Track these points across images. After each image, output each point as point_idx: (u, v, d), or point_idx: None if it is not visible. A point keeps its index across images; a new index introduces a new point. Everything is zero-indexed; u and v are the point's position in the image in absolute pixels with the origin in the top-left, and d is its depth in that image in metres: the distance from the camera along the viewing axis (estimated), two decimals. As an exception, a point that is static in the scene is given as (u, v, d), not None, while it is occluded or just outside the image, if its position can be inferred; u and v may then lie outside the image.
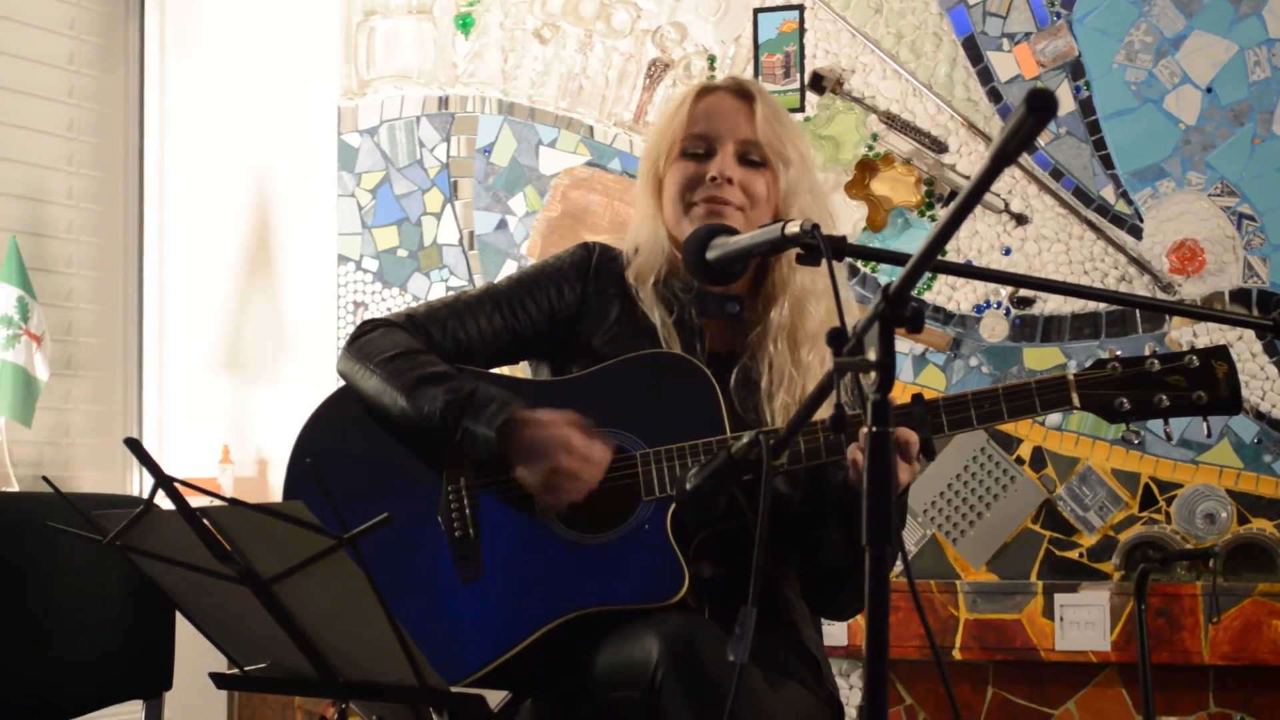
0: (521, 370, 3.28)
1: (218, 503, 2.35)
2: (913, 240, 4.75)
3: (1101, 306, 4.61)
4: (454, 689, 2.51)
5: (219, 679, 2.72)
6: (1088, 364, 2.83)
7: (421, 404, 2.94)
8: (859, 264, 4.78)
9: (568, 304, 3.13)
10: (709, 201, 3.01)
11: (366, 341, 3.06)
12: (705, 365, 2.98)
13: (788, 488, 2.99)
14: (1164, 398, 2.77)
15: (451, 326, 3.10)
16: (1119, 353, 2.82)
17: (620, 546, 2.91)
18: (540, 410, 2.90)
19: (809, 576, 3.07)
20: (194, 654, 3.35)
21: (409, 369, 2.98)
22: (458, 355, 3.08)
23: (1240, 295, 4.49)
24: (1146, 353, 2.79)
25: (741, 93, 3.09)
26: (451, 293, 3.23)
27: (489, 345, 3.11)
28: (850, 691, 4.63)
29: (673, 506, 2.88)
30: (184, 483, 2.34)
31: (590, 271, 3.14)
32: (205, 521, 2.37)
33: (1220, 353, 2.78)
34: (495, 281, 3.19)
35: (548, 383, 3.10)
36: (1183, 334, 4.50)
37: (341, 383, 3.13)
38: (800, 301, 3.04)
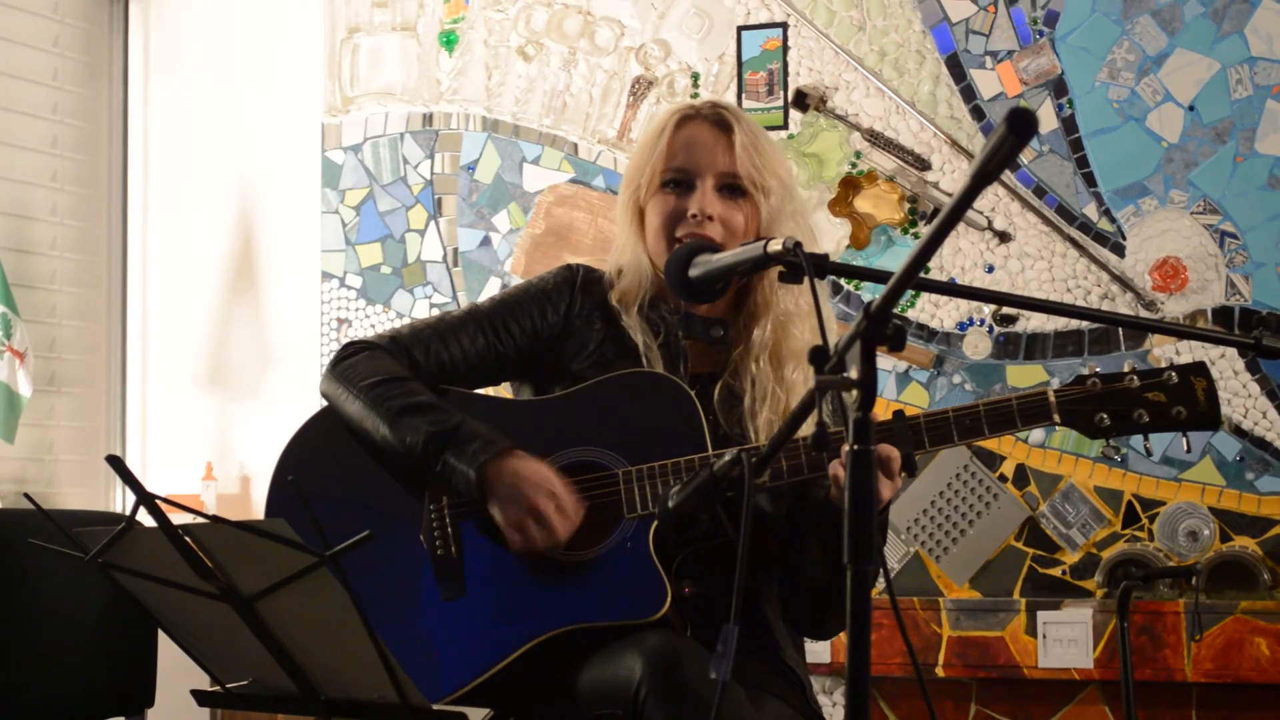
0: (504, 391, 3.28)
1: (200, 520, 2.35)
2: (896, 258, 4.76)
3: (1085, 324, 4.62)
4: (436, 706, 2.51)
5: (201, 696, 2.71)
6: (1069, 381, 2.84)
7: (404, 434, 2.94)
8: (842, 282, 4.78)
9: (550, 325, 3.13)
10: (691, 238, 3.01)
11: (350, 365, 3.06)
12: (688, 385, 2.99)
13: (770, 505, 2.99)
14: (1144, 413, 2.79)
15: (435, 348, 3.10)
16: (1098, 369, 2.83)
17: (602, 564, 2.91)
18: (524, 463, 2.90)
19: (790, 594, 3.07)
20: (176, 671, 3.35)
21: (392, 397, 2.98)
22: (441, 376, 3.08)
23: (1222, 313, 4.50)
24: (1126, 369, 2.80)
25: (720, 122, 3.07)
26: (435, 312, 3.22)
27: (472, 366, 3.11)
28: (833, 709, 4.63)
29: (655, 524, 2.88)
30: (166, 500, 2.33)
31: (574, 293, 3.14)
32: (187, 539, 2.37)
33: (1199, 369, 2.79)
34: (479, 302, 3.18)
35: (530, 402, 3.10)
36: (1165, 351, 4.51)
37: (320, 395, 3.13)
38: (784, 322, 3.05)
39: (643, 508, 2.89)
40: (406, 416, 2.95)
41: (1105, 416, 2.79)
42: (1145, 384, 2.79)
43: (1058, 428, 2.82)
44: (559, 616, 2.89)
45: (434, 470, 2.92)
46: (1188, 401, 2.78)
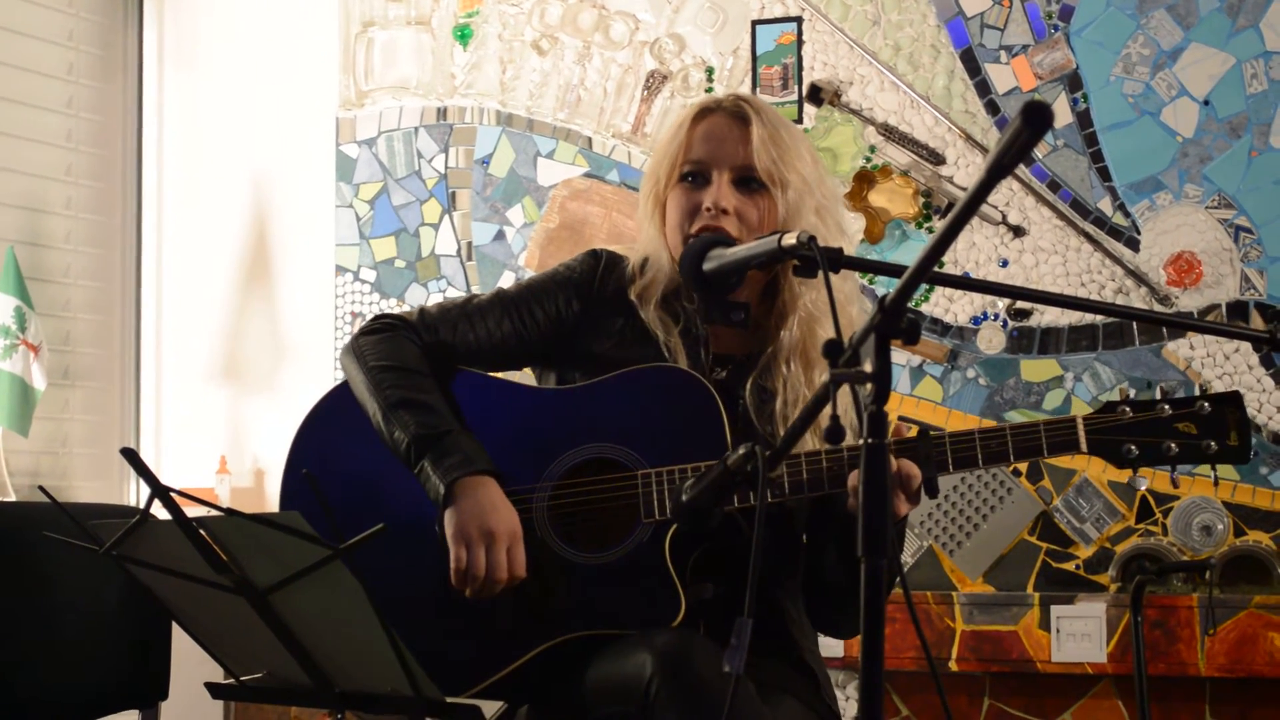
0: (524, 378, 3.27)
1: (214, 513, 2.36)
2: (910, 252, 4.75)
3: (1099, 318, 4.61)
4: (450, 700, 2.51)
5: (215, 689, 2.72)
6: (1090, 384, 2.82)
7: (393, 428, 2.94)
8: (857, 276, 4.77)
9: (575, 312, 3.12)
10: (706, 232, 3.00)
11: (369, 342, 3.06)
12: (713, 371, 2.99)
13: (793, 501, 2.98)
14: (1173, 445, 2.74)
15: (462, 328, 3.10)
16: (1131, 392, 2.80)
17: (618, 568, 2.89)
18: (500, 495, 2.89)
19: (808, 593, 3.06)
20: (190, 664, 3.36)
21: (395, 385, 2.98)
22: (467, 357, 3.08)
23: (1237, 308, 4.49)
24: (1158, 394, 2.76)
25: (739, 114, 3.05)
26: (462, 295, 3.22)
27: (497, 349, 3.11)
28: (847, 703, 4.63)
29: (671, 529, 2.87)
30: (180, 493, 2.34)
31: (596, 280, 3.14)
32: (201, 531, 2.37)
33: (1233, 399, 2.74)
34: (505, 288, 3.18)
35: (554, 391, 3.09)
36: (1180, 346, 4.51)
37: (335, 384, 3.14)
38: (810, 320, 3.03)
39: (660, 512, 2.88)
40: (400, 410, 2.95)
41: (1134, 447, 2.75)
42: (1177, 414, 2.75)
43: (1083, 454, 2.79)
44: (572, 622, 2.88)
45: (412, 471, 2.92)
46: (1218, 434, 2.73)
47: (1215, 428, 2.74)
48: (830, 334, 3.00)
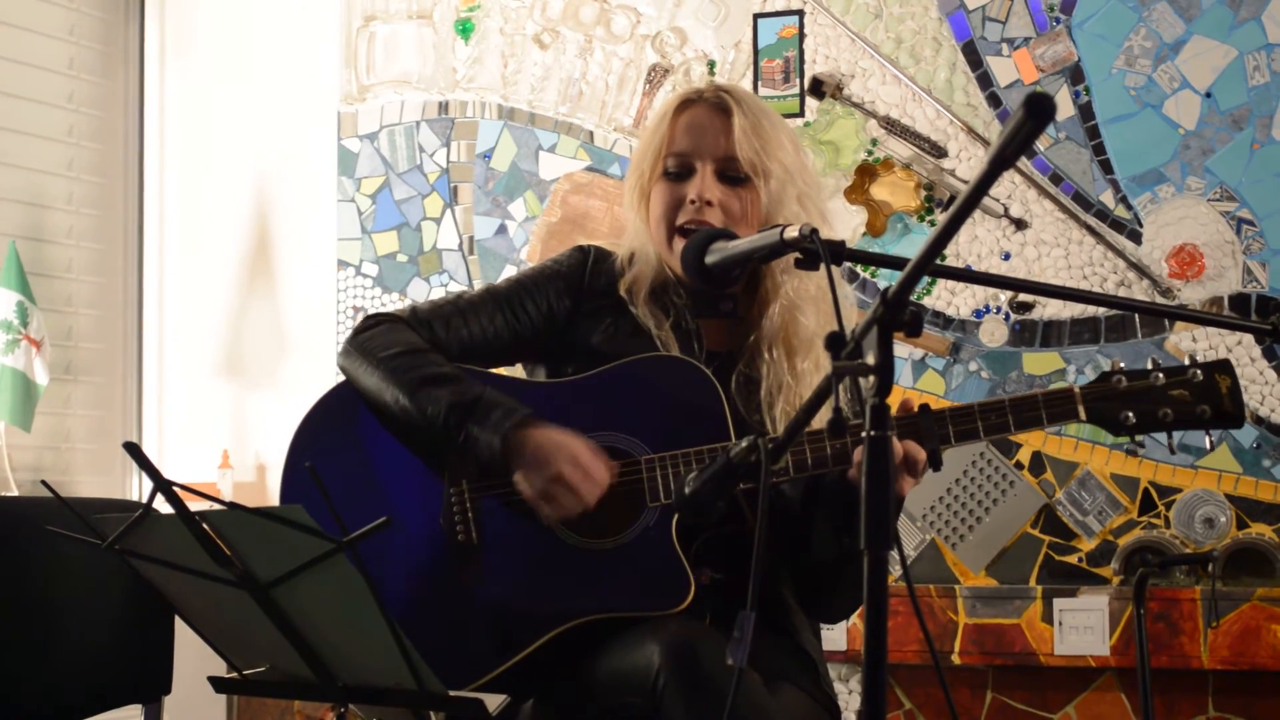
0: (515, 373, 3.27)
1: (216, 507, 2.36)
2: (912, 245, 4.75)
3: (1101, 311, 4.61)
4: (452, 694, 2.51)
5: (218, 683, 2.72)
6: (1092, 376, 2.83)
7: (425, 405, 2.92)
8: (858, 269, 4.78)
9: (566, 306, 3.13)
10: (691, 225, 3.01)
11: (369, 337, 3.05)
12: (704, 363, 2.99)
13: (790, 490, 2.99)
14: (1168, 411, 2.77)
15: (455, 325, 3.09)
16: (1123, 364, 2.82)
17: (625, 553, 2.90)
18: (549, 424, 2.90)
19: (799, 576, 3.06)
20: (193, 658, 3.35)
21: (413, 367, 2.97)
22: (461, 354, 3.08)
23: (1239, 300, 4.49)
24: (1149, 366, 2.79)
25: (720, 105, 3.06)
26: (453, 292, 3.22)
27: (490, 345, 3.11)
28: (849, 696, 4.63)
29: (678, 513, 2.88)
30: (183, 487, 2.34)
31: (585, 275, 3.14)
32: (204, 525, 2.37)
33: (1223, 366, 2.78)
34: (494, 283, 3.18)
35: (553, 384, 3.09)
36: (1182, 339, 4.51)
37: (338, 380, 3.12)
38: (791, 308, 3.03)
39: (666, 496, 2.88)
40: (427, 387, 2.93)
41: (1131, 414, 2.78)
42: (1170, 381, 2.77)
43: (1082, 423, 2.81)
44: (581, 607, 2.88)
45: (456, 441, 2.90)
46: (1212, 400, 2.77)
47: (1207, 393, 2.77)
48: (811, 322, 3.03)
